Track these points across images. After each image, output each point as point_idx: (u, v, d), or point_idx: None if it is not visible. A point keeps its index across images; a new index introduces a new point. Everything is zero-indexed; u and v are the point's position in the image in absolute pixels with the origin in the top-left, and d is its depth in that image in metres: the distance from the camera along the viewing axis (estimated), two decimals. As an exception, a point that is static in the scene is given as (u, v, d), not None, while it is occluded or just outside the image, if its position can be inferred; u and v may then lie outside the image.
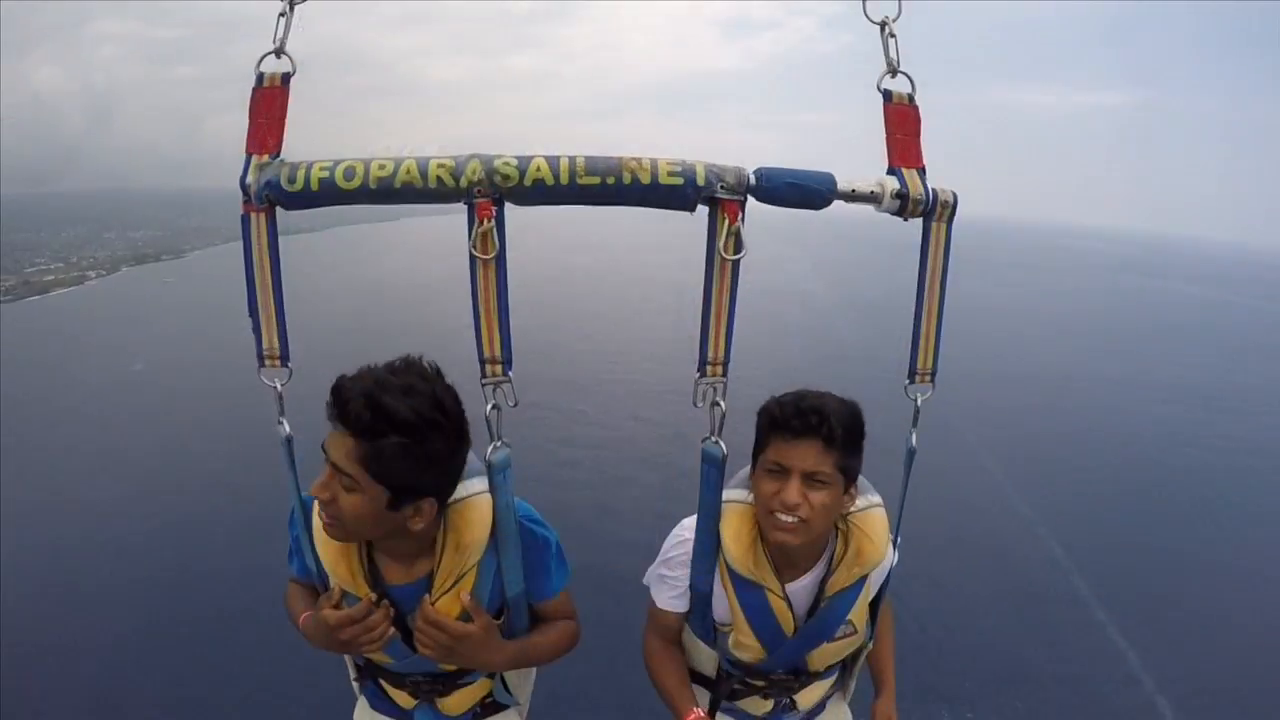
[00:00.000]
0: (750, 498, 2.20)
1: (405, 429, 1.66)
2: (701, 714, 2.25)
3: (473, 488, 1.99)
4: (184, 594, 21.37)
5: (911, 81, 1.91)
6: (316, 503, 1.91)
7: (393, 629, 1.97)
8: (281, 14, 1.75)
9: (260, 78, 1.78)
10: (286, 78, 1.79)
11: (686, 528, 2.31)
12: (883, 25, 1.87)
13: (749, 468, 2.24)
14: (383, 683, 2.30)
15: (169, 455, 30.23)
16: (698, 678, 2.50)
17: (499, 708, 2.42)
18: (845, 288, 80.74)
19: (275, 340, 1.86)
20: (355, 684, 2.47)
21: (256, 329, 1.84)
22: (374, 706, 2.42)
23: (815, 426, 2.01)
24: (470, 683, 2.30)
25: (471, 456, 2.01)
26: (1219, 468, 31.05)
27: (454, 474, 1.88)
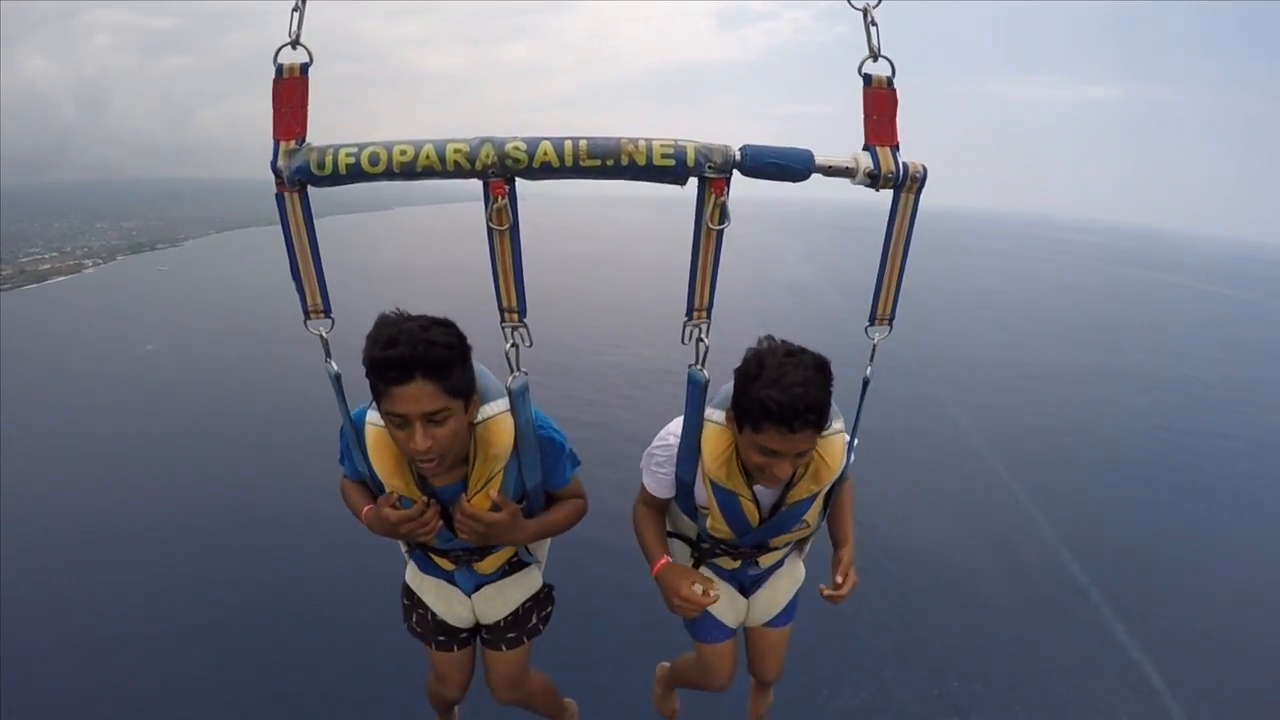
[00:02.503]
0: (723, 418, 2.43)
1: (453, 347, 2.01)
2: (669, 560, 2.62)
3: (497, 408, 2.27)
4: (195, 591, 20.10)
5: (892, 65, 1.98)
6: (371, 423, 2.32)
7: (440, 522, 2.36)
8: (295, 8, 1.81)
9: (280, 69, 1.85)
10: (305, 67, 1.87)
11: (673, 432, 2.56)
12: (865, 12, 1.98)
13: (728, 392, 2.41)
14: (429, 552, 2.72)
15: (181, 440, 29.65)
16: (682, 538, 2.91)
17: (522, 565, 2.86)
18: (833, 273, 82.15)
19: (318, 297, 2.10)
20: (405, 553, 2.89)
21: (300, 290, 2.08)
22: (422, 569, 2.85)
23: (813, 423, 2.17)
24: (499, 549, 2.73)
25: (494, 382, 2.31)
26: (1208, 456, 31.31)
27: (470, 354, 2.19)
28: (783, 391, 2.10)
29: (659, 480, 2.65)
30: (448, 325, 2.06)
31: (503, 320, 2.10)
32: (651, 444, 2.66)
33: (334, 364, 2.22)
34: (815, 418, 2.16)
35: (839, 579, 2.63)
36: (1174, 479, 27.95)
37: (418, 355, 1.93)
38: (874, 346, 2.33)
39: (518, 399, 2.25)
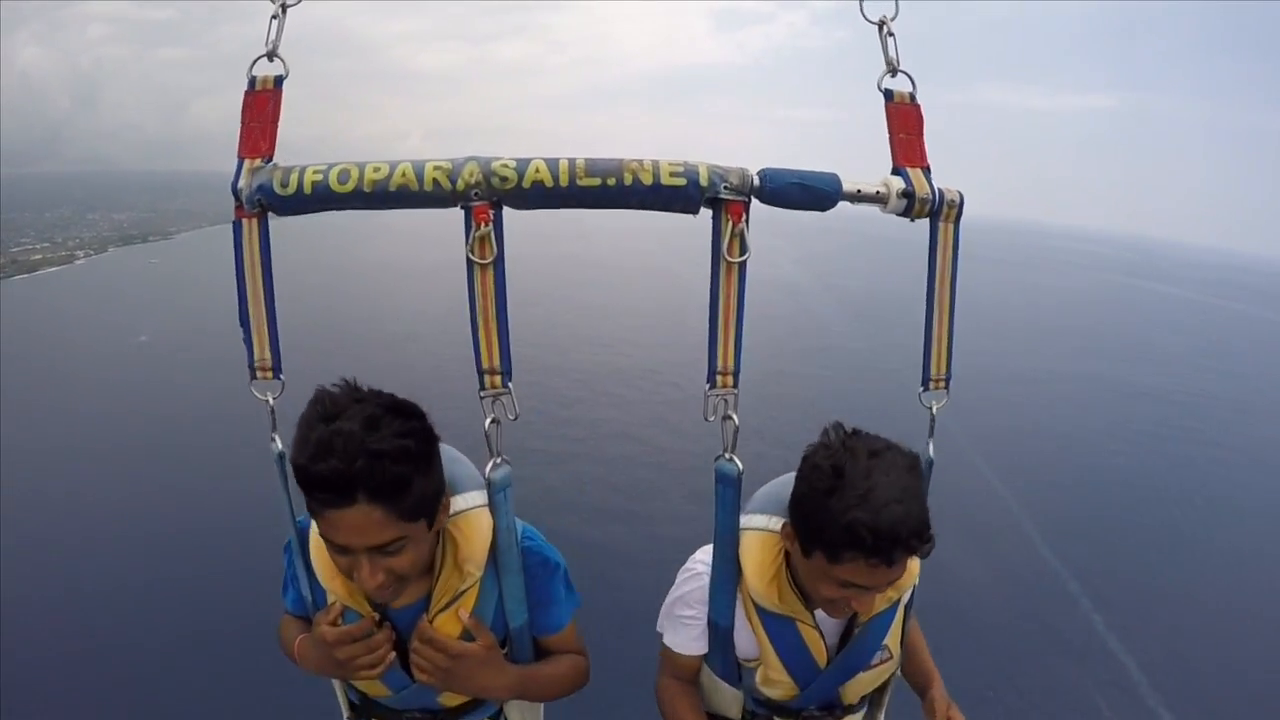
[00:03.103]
0: (771, 525, 1.88)
1: (410, 457, 1.46)
2: None
3: (471, 500, 1.75)
4: (193, 596, 20.21)
5: (912, 81, 1.83)
6: (314, 525, 1.70)
7: (393, 654, 1.73)
8: (274, 16, 1.66)
9: (252, 81, 1.67)
10: (279, 80, 1.69)
11: (700, 561, 1.99)
12: (881, 25, 1.82)
13: (774, 495, 1.94)
14: (377, 715, 1.97)
15: (173, 434, 29.88)
16: None
17: None
18: (829, 279, 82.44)
19: (267, 352, 1.72)
20: (346, 718, 2.10)
21: (248, 340, 1.71)
22: None
23: (915, 550, 1.66)
24: (476, 714, 2.00)
25: (468, 469, 1.82)
26: (1196, 463, 31.33)
27: (438, 454, 1.64)
28: (876, 514, 1.57)
29: (689, 632, 1.99)
30: (406, 416, 1.51)
31: (481, 386, 1.67)
32: (674, 589, 2.04)
33: (279, 441, 1.71)
34: (918, 543, 1.63)
35: None
36: (1162, 486, 28.19)
37: (358, 473, 1.40)
38: (932, 418, 1.91)
39: (497, 495, 1.73)
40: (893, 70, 1.81)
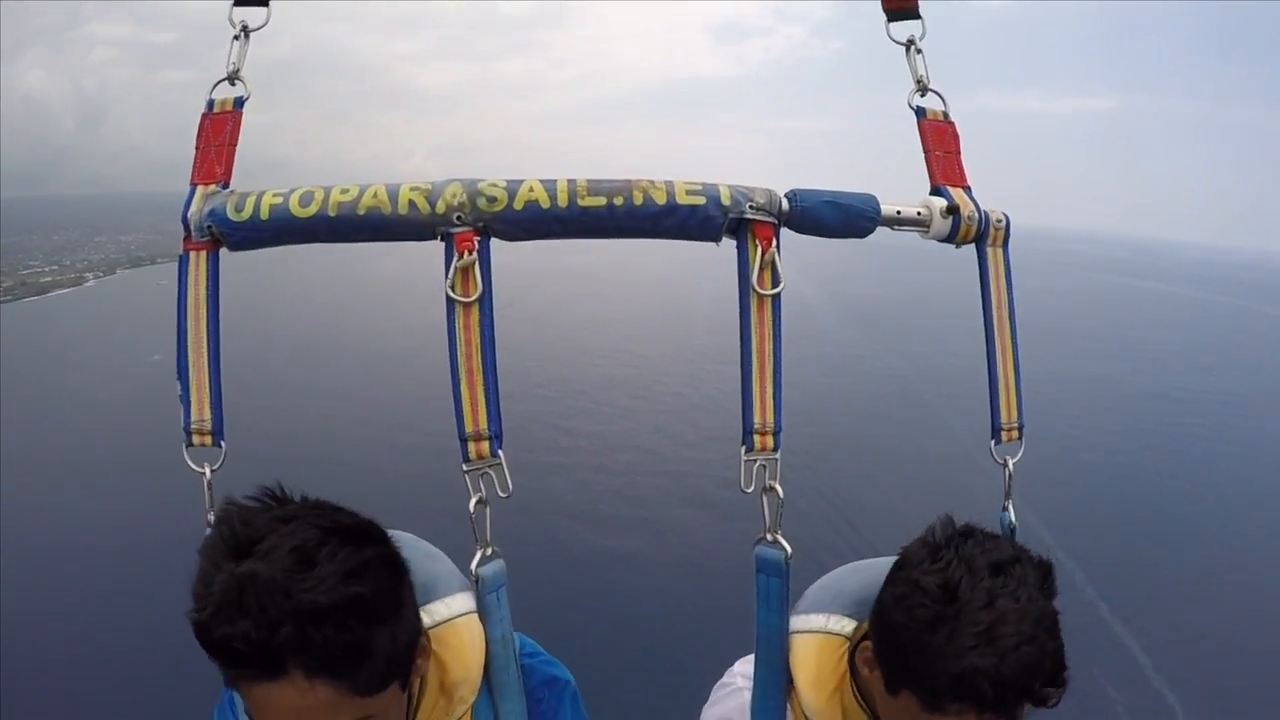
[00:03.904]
0: (832, 626, 1.50)
1: (362, 610, 1.03)
2: None
3: (455, 607, 1.37)
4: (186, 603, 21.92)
5: (943, 99, 1.70)
6: None
7: None
8: (235, 37, 1.55)
9: (210, 104, 1.54)
10: (240, 101, 1.54)
11: (740, 674, 1.67)
12: (909, 45, 1.71)
13: (830, 585, 1.59)
14: None
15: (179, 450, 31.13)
16: None
17: None
18: (833, 286, 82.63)
19: (206, 411, 1.43)
20: None
21: (185, 396, 1.45)
22: None
23: (1041, 703, 1.24)
24: None
25: (447, 566, 1.43)
26: (1197, 459, 31.47)
27: (408, 590, 1.20)
28: (1002, 659, 1.19)
29: None
30: (357, 542, 1.08)
31: (465, 458, 1.35)
32: (707, 708, 1.74)
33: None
34: (1052, 691, 1.23)
35: None
36: (1164, 482, 28.43)
37: (285, 642, 0.99)
38: (1008, 475, 1.59)
39: (488, 596, 1.37)
40: (923, 89, 1.71)
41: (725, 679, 1.71)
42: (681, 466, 27.22)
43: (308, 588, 0.99)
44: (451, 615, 1.35)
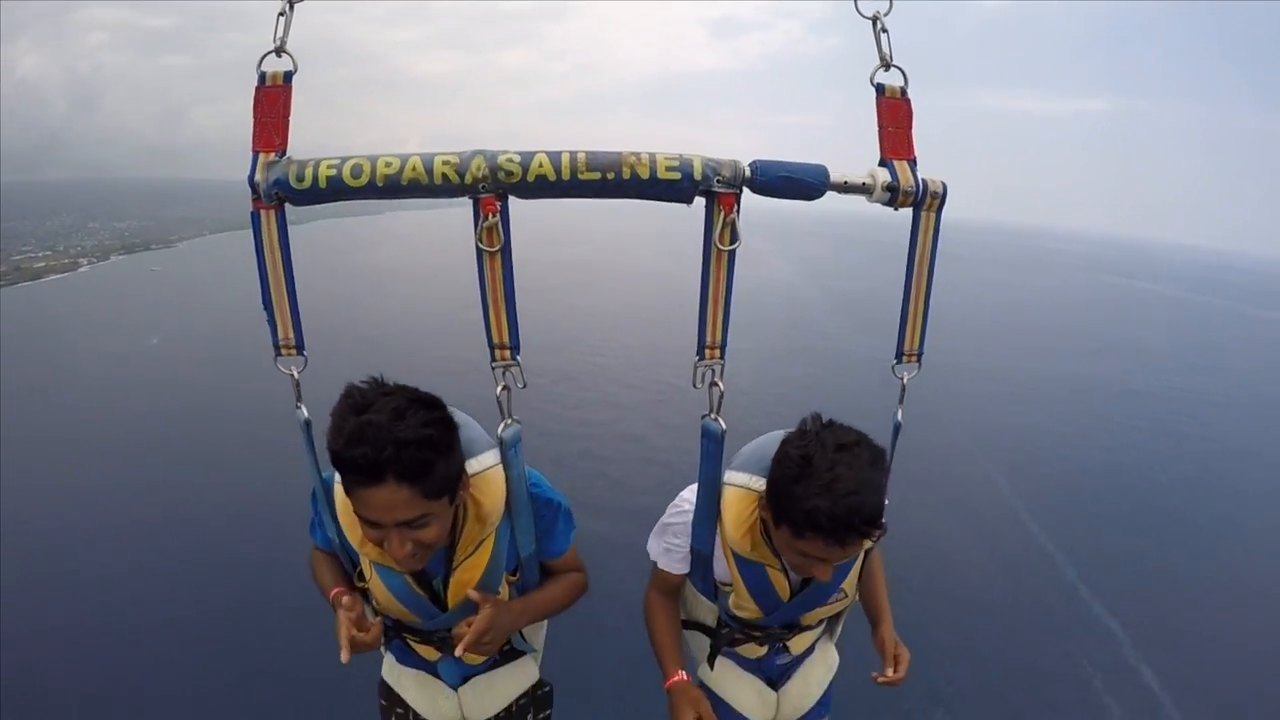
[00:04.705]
0: (752, 484, 2.10)
1: (433, 444, 1.65)
2: (684, 677, 2.28)
3: (485, 462, 1.96)
4: (193, 584, 20.99)
5: (904, 75, 1.88)
6: (337, 483, 1.90)
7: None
8: (281, 13, 1.72)
9: (263, 77, 1.75)
10: (289, 76, 1.77)
11: (686, 499, 2.26)
12: (874, 20, 1.88)
13: (756, 453, 2.14)
14: (408, 639, 2.29)
15: (185, 431, 30.46)
16: (699, 626, 2.52)
17: (516, 654, 2.45)
18: (822, 280, 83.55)
19: (290, 331, 1.87)
20: (381, 645, 2.33)
21: (271, 321, 1.85)
22: (400, 660, 2.44)
23: (868, 534, 1.83)
24: None
25: (479, 432, 1.99)
26: (1189, 459, 31.91)
27: (458, 441, 1.85)
28: (835, 502, 1.77)
29: (673, 555, 2.32)
30: (429, 406, 1.72)
31: (493, 359, 1.87)
32: (664, 515, 2.34)
33: (305, 409, 1.94)
34: (871, 529, 1.81)
35: (889, 671, 2.28)
36: (1156, 481, 28.70)
37: (386, 458, 1.61)
38: (903, 387, 2.11)
39: (509, 451, 1.95)
40: (885, 65, 1.89)
41: (677, 501, 2.29)
42: (673, 457, 27.52)
43: (400, 429, 1.60)
44: (483, 469, 1.93)
